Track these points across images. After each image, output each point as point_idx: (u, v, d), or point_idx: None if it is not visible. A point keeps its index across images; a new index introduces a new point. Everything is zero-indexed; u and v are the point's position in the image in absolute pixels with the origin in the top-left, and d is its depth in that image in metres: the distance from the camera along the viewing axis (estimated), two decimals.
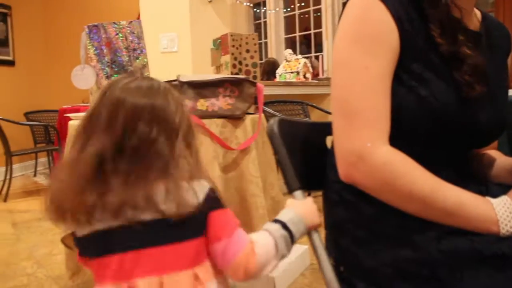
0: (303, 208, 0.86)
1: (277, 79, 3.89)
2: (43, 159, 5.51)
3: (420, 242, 0.76)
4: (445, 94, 0.79)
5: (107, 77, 1.59)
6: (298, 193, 0.90)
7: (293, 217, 0.84)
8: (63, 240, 1.78)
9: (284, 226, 0.82)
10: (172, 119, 0.77)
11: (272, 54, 5.09)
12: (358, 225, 0.85)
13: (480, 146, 0.93)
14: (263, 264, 0.77)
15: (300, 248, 2.21)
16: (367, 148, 0.77)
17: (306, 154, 0.99)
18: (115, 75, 1.59)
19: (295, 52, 4.25)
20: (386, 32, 0.79)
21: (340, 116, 0.82)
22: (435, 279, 0.74)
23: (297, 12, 5.13)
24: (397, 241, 0.79)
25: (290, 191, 0.90)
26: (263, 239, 0.80)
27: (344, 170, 0.82)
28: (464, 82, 0.79)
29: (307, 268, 2.20)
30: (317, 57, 4.70)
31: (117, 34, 1.62)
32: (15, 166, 4.60)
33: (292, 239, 0.82)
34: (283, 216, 0.84)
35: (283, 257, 0.81)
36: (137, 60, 1.65)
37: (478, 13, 0.94)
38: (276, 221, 0.83)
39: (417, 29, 0.81)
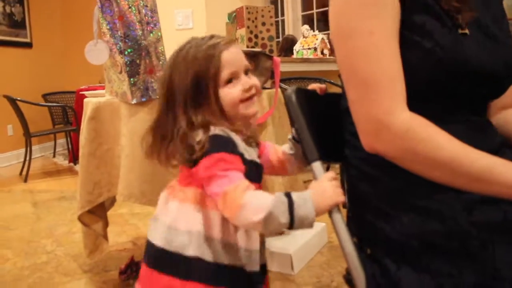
0: (319, 187, 0.83)
1: (294, 55, 3.82)
2: (61, 140, 5.57)
3: (449, 213, 0.73)
4: (448, 39, 0.76)
5: (121, 52, 1.55)
6: (317, 164, 0.86)
7: (303, 193, 0.82)
8: (79, 218, 1.79)
9: (288, 194, 0.82)
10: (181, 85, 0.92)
11: (289, 31, 5.01)
12: (382, 200, 0.82)
13: (492, 93, 0.87)
14: (247, 214, 0.80)
15: (318, 226, 2.19)
16: (387, 116, 0.74)
17: (324, 125, 0.95)
18: (129, 50, 1.55)
19: (312, 29, 4.16)
20: None
21: (353, 87, 0.80)
22: (465, 253, 0.70)
23: None
24: (424, 213, 0.75)
25: (309, 161, 0.86)
26: (260, 195, 0.83)
27: (366, 140, 0.79)
28: (453, 9, 0.78)
29: (324, 246, 2.18)
30: None
31: (129, 7, 1.57)
32: (34, 147, 4.66)
33: (291, 206, 0.80)
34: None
35: (280, 224, 0.80)
36: (151, 34, 1.61)
37: None
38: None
39: None
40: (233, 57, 0.92)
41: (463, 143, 0.73)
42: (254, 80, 0.95)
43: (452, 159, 0.72)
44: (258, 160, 0.97)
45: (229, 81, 0.92)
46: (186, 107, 0.91)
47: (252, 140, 0.99)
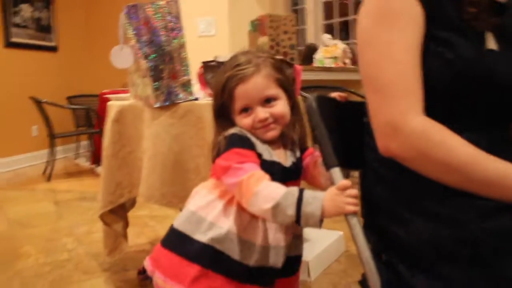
0: (332, 193, 0.84)
1: (315, 64, 3.83)
2: (84, 142, 5.67)
3: (462, 220, 0.74)
4: (471, 53, 0.78)
5: (145, 57, 1.59)
6: (336, 170, 0.87)
7: (317, 193, 0.86)
8: (101, 217, 1.83)
9: (301, 190, 0.86)
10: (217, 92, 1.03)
11: (310, 40, 5.00)
12: (397, 203, 0.83)
13: None
14: (259, 201, 0.87)
15: (335, 234, 2.19)
16: (402, 119, 0.77)
17: (344, 132, 0.97)
18: (153, 55, 1.60)
19: (334, 38, 4.17)
20: (408, 7, 0.80)
21: (372, 93, 0.83)
22: (478, 259, 0.71)
23: None
24: (438, 219, 0.76)
25: (328, 167, 0.88)
26: (274, 185, 0.89)
27: (382, 142, 0.81)
28: (471, 16, 0.80)
29: (342, 255, 2.18)
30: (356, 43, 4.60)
31: (155, 14, 1.62)
32: (58, 148, 4.75)
33: (300, 201, 0.85)
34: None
35: (287, 216, 0.85)
36: (175, 40, 1.65)
37: None
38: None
39: None
40: (247, 91, 0.98)
41: (476, 148, 0.74)
42: (273, 109, 1.00)
43: (466, 163, 0.73)
44: (283, 162, 1.02)
45: (244, 110, 1.00)
46: (219, 119, 1.04)
47: (290, 143, 1.05)
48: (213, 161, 1.01)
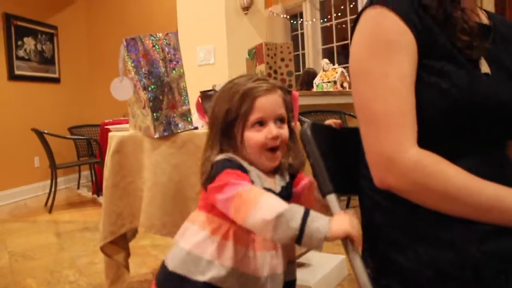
0: (336, 216, 0.82)
1: (314, 89, 3.87)
2: (86, 172, 5.68)
3: (462, 243, 0.74)
4: (465, 80, 0.79)
5: (144, 88, 1.62)
6: (332, 197, 0.88)
7: (321, 214, 0.82)
8: (102, 249, 1.82)
9: (306, 208, 0.82)
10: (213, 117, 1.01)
11: (309, 65, 5.08)
12: (395, 229, 0.83)
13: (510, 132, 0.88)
14: (260, 212, 0.82)
15: (338, 258, 2.18)
16: (396, 151, 0.77)
17: (340, 158, 0.98)
18: (152, 86, 1.62)
19: (332, 62, 4.22)
20: (401, 37, 0.80)
21: (366, 124, 0.83)
22: (478, 282, 0.71)
23: (334, 22, 5.11)
24: (437, 243, 0.76)
25: (323, 194, 0.88)
26: (277, 198, 0.86)
27: (377, 175, 0.81)
28: (464, 44, 0.80)
29: (344, 279, 2.17)
30: None
31: (153, 46, 1.65)
32: (59, 179, 4.76)
33: (306, 215, 0.80)
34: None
35: (290, 228, 0.80)
36: (174, 71, 1.68)
37: (484, 13, 0.96)
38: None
39: (431, 27, 0.82)
40: (266, 104, 0.96)
41: (471, 175, 0.75)
42: (282, 131, 0.99)
43: (461, 190, 0.73)
44: (273, 189, 0.99)
45: (257, 125, 0.97)
46: (221, 137, 0.99)
47: (281, 170, 1.03)
48: (203, 186, 0.98)
